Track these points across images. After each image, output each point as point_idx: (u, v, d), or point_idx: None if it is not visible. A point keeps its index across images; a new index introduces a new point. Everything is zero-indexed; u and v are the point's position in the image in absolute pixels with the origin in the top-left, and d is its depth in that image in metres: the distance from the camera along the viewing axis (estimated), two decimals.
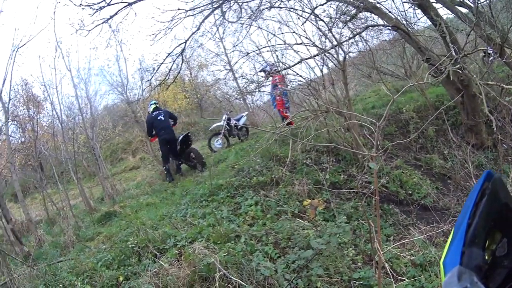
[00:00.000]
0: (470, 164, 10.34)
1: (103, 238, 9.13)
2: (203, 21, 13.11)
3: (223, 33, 16.38)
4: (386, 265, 6.31)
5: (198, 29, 13.32)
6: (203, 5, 12.63)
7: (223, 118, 16.48)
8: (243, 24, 12.61)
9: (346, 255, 6.57)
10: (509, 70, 13.28)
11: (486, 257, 1.09)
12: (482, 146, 11.87)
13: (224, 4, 12.44)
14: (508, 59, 11.29)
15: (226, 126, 16.18)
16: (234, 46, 14.05)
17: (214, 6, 12.52)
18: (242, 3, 12.22)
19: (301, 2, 10.76)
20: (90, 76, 29.09)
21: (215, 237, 6.96)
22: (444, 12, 13.11)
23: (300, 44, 10.37)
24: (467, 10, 12.12)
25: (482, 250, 1.07)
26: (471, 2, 11.58)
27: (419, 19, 13.27)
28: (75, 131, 17.13)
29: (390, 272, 6.02)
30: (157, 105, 14.73)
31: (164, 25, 12.31)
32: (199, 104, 27.49)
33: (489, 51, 13.59)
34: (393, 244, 7.03)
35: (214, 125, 17.22)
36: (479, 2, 11.43)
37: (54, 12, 12.99)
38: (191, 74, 28.43)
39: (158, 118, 14.03)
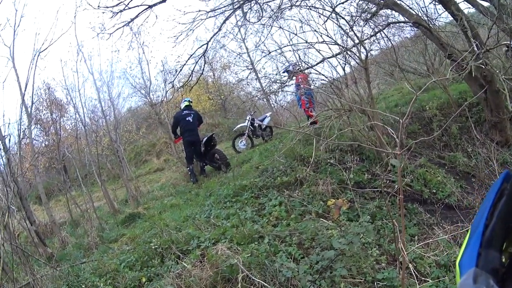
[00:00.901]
0: (495, 162, 10.20)
1: (126, 240, 9.20)
2: (224, 22, 13.17)
3: (245, 33, 16.43)
4: (410, 265, 6.27)
5: (220, 30, 13.38)
6: (224, 6, 12.69)
7: (247, 118, 16.51)
8: (264, 24, 12.64)
9: (370, 255, 6.51)
10: None
11: (503, 260, 1.05)
12: (507, 143, 11.69)
13: (245, 5, 12.46)
14: None
15: (250, 126, 16.19)
16: (256, 46, 14.09)
17: (235, 7, 12.55)
18: (263, 3, 12.23)
19: (321, 1, 10.74)
20: (112, 78, 29.39)
21: (239, 238, 6.96)
22: (465, 7, 12.95)
23: (322, 42, 10.33)
24: (489, 4, 11.95)
25: (499, 252, 1.03)
26: None
27: (440, 15, 13.10)
28: (99, 133, 17.31)
29: (414, 272, 5.98)
30: (190, 103, 14.76)
31: (185, 27, 12.39)
32: (222, 105, 27.64)
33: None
34: (417, 244, 6.92)
35: (238, 125, 17.26)
36: None
37: (75, 16, 13.23)
38: (214, 75, 28.60)
39: (187, 119, 14.08)
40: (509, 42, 12.50)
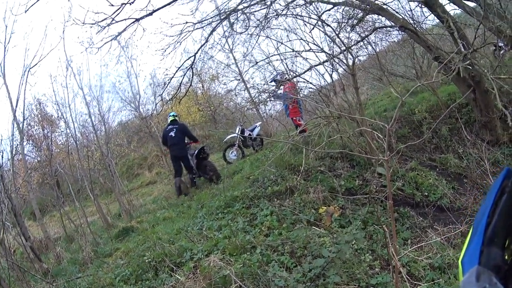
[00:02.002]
0: (486, 162, 10.23)
1: (120, 254, 9.17)
2: (211, 34, 13.18)
3: (232, 44, 16.49)
4: (404, 269, 6.28)
5: (207, 41, 13.38)
6: (211, 17, 12.70)
7: (237, 129, 16.56)
8: (251, 34, 12.67)
9: (363, 261, 6.53)
10: None
11: (506, 257, 1.06)
12: (498, 142, 11.70)
13: (231, 15, 12.48)
14: None
15: (240, 137, 16.20)
16: (244, 57, 14.13)
17: (221, 18, 12.57)
18: (249, 13, 12.25)
19: (307, 9, 10.77)
20: (102, 93, 29.35)
21: (231, 249, 6.96)
22: (451, 8, 13.02)
23: (309, 51, 10.39)
24: (475, 4, 12.02)
25: (502, 250, 1.05)
26: None
27: (426, 17, 13.20)
28: (90, 148, 17.27)
29: (406, 276, 5.98)
30: (175, 118, 14.79)
31: (173, 39, 12.38)
32: (213, 117, 27.62)
33: (499, 44, 13.47)
34: (410, 248, 6.96)
35: (228, 136, 17.31)
36: None
37: (63, 31, 13.18)
38: (203, 86, 28.60)
39: (170, 134, 14.23)
40: (496, 41, 12.60)
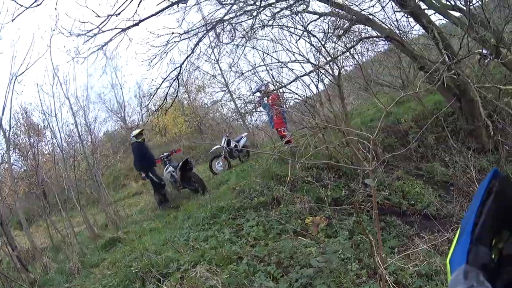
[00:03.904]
0: (472, 169, 10.28)
1: (107, 264, 9.10)
2: (197, 44, 13.19)
3: (219, 54, 16.48)
4: (391, 277, 6.29)
5: (193, 52, 13.39)
6: (197, 28, 12.72)
7: (223, 140, 16.54)
8: (237, 44, 12.70)
9: (350, 270, 6.53)
10: (506, 71, 13.27)
11: (493, 256, 1.07)
12: (484, 149, 11.82)
13: (217, 26, 12.50)
14: (504, 59, 11.29)
15: (226, 148, 16.18)
16: (230, 67, 14.11)
17: (207, 28, 12.58)
18: (235, 23, 12.30)
19: (293, 20, 10.82)
20: (89, 103, 29.26)
21: (218, 259, 6.95)
22: (436, 18, 13.14)
23: (294, 61, 10.42)
24: (460, 14, 12.13)
25: (489, 249, 1.06)
26: (463, 5, 11.58)
27: (412, 27, 13.29)
28: (76, 158, 17.15)
29: (393, 285, 6.00)
30: (135, 136, 14.51)
31: (159, 50, 12.40)
32: (199, 127, 27.56)
33: (484, 53, 13.59)
34: (397, 256, 6.98)
35: (214, 147, 17.27)
36: (471, 4, 11.45)
37: (50, 39, 13.07)
38: (189, 97, 28.54)
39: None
40: (480, 50, 12.71)
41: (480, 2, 11.24)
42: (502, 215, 1.09)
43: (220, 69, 21.94)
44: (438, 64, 9.81)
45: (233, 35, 12.60)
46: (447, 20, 12.72)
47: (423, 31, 12.67)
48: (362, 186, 9.58)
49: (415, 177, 10.90)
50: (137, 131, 14.59)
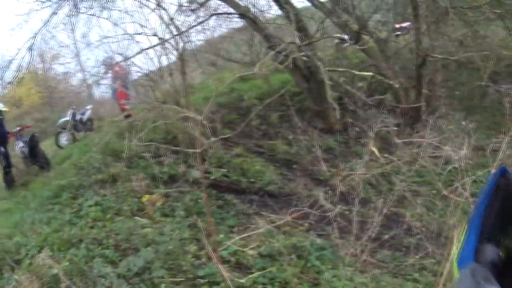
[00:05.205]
0: (318, 148, 10.46)
1: None
2: (54, 13, 12.39)
3: (75, 24, 15.73)
4: (232, 258, 6.23)
5: (49, 20, 12.58)
6: None
7: (69, 113, 15.79)
8: (93, 14, 12.13)
9: (188, 251, 6.39)
10: (364, 56, 13.74)
11: (501, 254, 1.10)
12: (331, 130, 12.07)
13: None
14: (363, 46, 11.64)
15: (72, 121, 15.47)
16: (82, 38, 13.48)
17: None
18: None
19: None
20: None
21: (60, 243, 6.62)
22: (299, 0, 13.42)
23: (140, 34, 10.10)
24: None
25: (497, 247, 1.09)
26: None
27: (271, 7, 13.38)
28: None
29: (234, 266, 5.94)
30: None
31: (22, 18, 11.51)
32: (50, 99, 26.30)
33: (344, 38, 13.98)
34: (237, 236, 6.91)
35: (61, 120, 16.41)
36: None
37: None
38: (44, 67, 27.13)
39: None
40: (335, 35, 13.07)
41: None
42: (510, 213, 1.12)
43: (74, 39, 21.07)
44: (286, 44, 9.85)
45: (91, 5, 11.98)
46: (311, 4, 12.86)
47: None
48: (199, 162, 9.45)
49: (256, 154, 10.89)
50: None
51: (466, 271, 1.01)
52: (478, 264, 1.02)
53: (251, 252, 6.51)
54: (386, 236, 7.57)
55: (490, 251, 1.06)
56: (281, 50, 9.57)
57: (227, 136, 8.08)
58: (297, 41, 10.17)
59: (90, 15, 12.28)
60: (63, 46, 21.85)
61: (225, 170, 9.56)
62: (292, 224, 7.72)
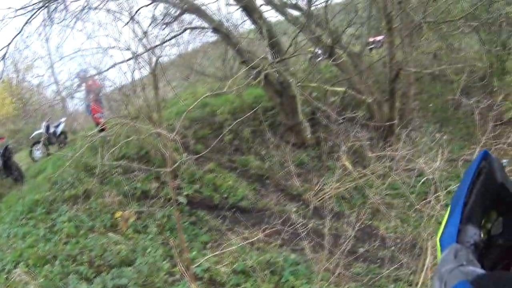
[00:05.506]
0: (291, 163, 10.48)
1: None
2: (27, 22, 12.31)
3: (49, 34, 15.64)
4: (206, 275, 6.21)
5: (22, 29, 12.49)
6: (33, 4, 11.87)
7: (43, 125, 15.63)
8: (67, 25, 12.07)
9: (161, 268, 6.37)
10: (338, 71, 13.81)
11: (482, 235, 1.13)
12: (304, 144, 12.09)
13: (51, 4, 11.73)
14: (337, 60, 11.71)
15: (46, 133, 15.32)
16: (57, 49, 13.41)
17: (44, 5, 11.78)
18: (70, 2, 11.67)
19: (120, 5, 10.48)
20: None
21: (35, 259, 6.64)
22: (273, 15, 13.49)
23: (113, 48, 10.06)
24: (300, 13, 12.42)
25: (478, 228, 1.11)
26: (305, 5, 11.85)
27: (244, 21, 13.42)
28: None
29: (206, 282, 5.94)
30: None
31: None
32: (24, 110, 26.06)
33: (318, 53, 14.05)
34: (210, 252, 6.94)
35: (35, 133, 16.25)
36: (313, 4, 11.75)
37: None
38: (18, 77, 26.90)
39: None
40: (313, 49, 13.14)
41: (325, 4, 11.59)
42: (491, 196, 1.14)
43: (48, 49, 20.94)
44: (259, 60, 9.89)
45: (65, 16, 11.93)
46: (284, 18, 12.94)
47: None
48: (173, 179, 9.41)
49: (228, 170, 10.83)
50: None
51: (449, 252, 1.03)
52: (460, 245, 1.04)
53: (224, 269, 6.50)
54: (361, 249, 7.63)
55: (472, 233, 1.09)
56: (254, 66, 9.61)
57: (199, 155, 8.09)
58: (269, 57, 10.22)
59: (64, 26, 12.23)
60: (38, 58, 21.77)
61: (198, 185, 9.52)
62: (265, 240, 7.72)
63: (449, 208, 1.15)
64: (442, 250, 1.06)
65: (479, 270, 0.97)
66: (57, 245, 7.17)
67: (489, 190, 1.13)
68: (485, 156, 1.16)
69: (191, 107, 5.34)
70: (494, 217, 1.18)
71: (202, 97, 6.22)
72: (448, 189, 7.27)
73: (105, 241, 7.11)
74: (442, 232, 1.11)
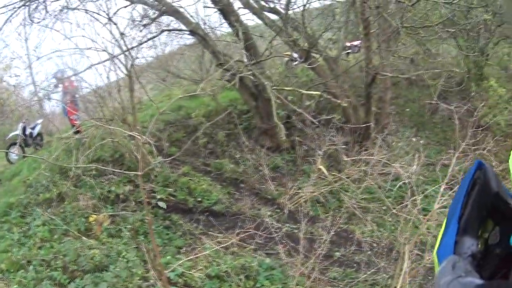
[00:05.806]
0: (265, 167, 10.47)
1: None
2: (7, 21, 12.17)
3: (28, 34, 15.51)
4: (180, 280, 6.19)
5: (1, 29, 12.35)
6: (14, 3, 11.73)
7: (19, 126, 15.45)
8: (46, 26, 11.97)
9: (135, 274, 6.34)
10: (314, 75, 13.85)
11: (479, 246, 1.13)
12: (279, 148, 12.09)
13: (32, 3, 11.61)
14: (313, 64, 11.73)
15: (22, 135, 15.15)
16: (34, 49, 13.28)
17: (25, 4, 11.66)
18: (51, 2, 11.58)
19: (98, 5, 10.40)
20: None
21: (9, 264, 6.58)
22: (249, 18, 13.45)
23: (89, 49, 9.98)
24: (277, 17, 12.44)
25: (475, 239, 1.12)
26: (283, 9, 11.87)
27: (221, 24, 13.42)
28: None
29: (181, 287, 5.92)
30: None
31: None
32: (1, 110, 25.75)
33: (294, 57, 14.09)
34: (184, 257, 6.89)
35: (11, 134, 16.06)
36: (291, 8, 11.78)
37: None
38: None
39: None
40: (290, 53, 13.17)
41: (302, 8, 11.61)
42: (487, 206, 1.15)
43: (27, 48, 20.73)
44: (234, 62, 9.91)
45: (44, 15, 11.83)
46: (262, 22, 12.94)
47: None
48: (147, 181, 9.35)
49: (202, 173, 10.78)
50: None
51: (447, 263, 1.04)
52: (458, 257, 1.05)
53: (198, 274, 6.48)
54: (337, 254, 7.65)
55: (469, 243, 1.09)
56: (229, 68, 9.60)
57: (172, 157, 8.05)
58: (245, 59, 10.23)
59: (43, 26, 12.14)
60: (16, 58, 21.53)
61: (172, 189, 9.46)
62: (239, 244, 7.70)
63: (445, 220, 1.17)
64: (439, 263, 1.08)
65: (478, 281, 0.98)
66: (31, 249, 7.09)
67: (485, 200, 1.14)
68: (480, 166, 1.17)
69: (163, 109, 5.31)
70: (491, 226, 1.19)
71: (174, 99, 6.20)
72: (425, 193, 7.35)
73: (79, 245, 7.03)
74: (439, 245, 1.13)
